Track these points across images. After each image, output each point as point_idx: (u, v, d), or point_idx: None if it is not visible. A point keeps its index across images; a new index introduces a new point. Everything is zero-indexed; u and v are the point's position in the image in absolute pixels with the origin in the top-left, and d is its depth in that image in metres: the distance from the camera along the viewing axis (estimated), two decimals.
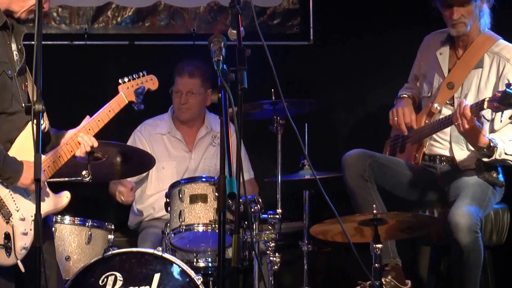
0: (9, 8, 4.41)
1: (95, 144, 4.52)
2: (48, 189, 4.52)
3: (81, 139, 4.55)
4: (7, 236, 4.26)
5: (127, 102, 4.66)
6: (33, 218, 4.12)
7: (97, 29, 6.92)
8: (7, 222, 4.28)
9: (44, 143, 4.39)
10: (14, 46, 4.35)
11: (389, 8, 6.79)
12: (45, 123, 4.47)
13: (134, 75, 4.71)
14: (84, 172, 4.93)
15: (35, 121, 3.88)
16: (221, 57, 3.95)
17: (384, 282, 4.92)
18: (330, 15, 7.05)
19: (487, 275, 5.58)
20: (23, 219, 4.36)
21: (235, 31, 4.04)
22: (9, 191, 4.34)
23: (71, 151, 4.55)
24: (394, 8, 6.60)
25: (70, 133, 4.55)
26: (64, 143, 4.55)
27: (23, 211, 4.37)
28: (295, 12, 7.09)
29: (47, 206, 4.47)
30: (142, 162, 5.70)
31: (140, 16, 6.95)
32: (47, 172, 4.53)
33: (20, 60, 4.27)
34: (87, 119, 4.55)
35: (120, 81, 4.71)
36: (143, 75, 4.78)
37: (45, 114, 4.34)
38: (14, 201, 4.38)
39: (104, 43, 7.00)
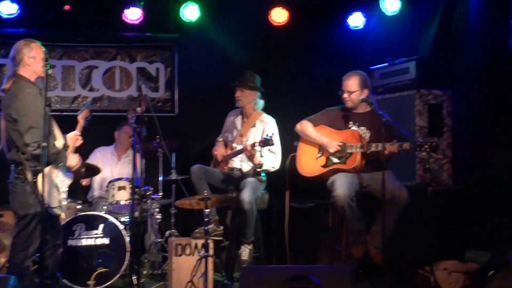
0: (36, 78, 4.91)
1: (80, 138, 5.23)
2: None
3: (76, 136, 5.24)
4: (59, 201, 4.93)
5: (83, 123, 5.35)
6: (63, 189, 4.96)
7: (74, 107, 7.58)
8: (59, 194, 4.93)
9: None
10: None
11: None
12: (64, 141, 5.09)
13: (81, 110, 5.43)
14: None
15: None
16: (133, 120, 5.13)
17: (209, 227, 5.26)
18: (184, 100, 7.86)
19: (258, 223, 6.29)
20: (63, 192, 5.00)
21: (140, 108, 5.17)
22: (58, 171, 4.92)
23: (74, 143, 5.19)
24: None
25: (71, 134, 5.24)
26: (70, 141, 5.19)
27: (63, 187, 4.98)
28: (169, 99, 7.91)
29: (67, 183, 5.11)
30: (94, 171, 6.50)
31: (95, 101, 7.60)
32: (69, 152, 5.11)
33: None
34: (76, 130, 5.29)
35: (78, 113, 5.42)
36: (84, 110, 5.45)
37: (66, 137, 5.12)
38: (59, 180, 4.94)
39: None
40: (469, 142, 6.25)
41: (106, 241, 6.05)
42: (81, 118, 5.40)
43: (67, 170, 5.09)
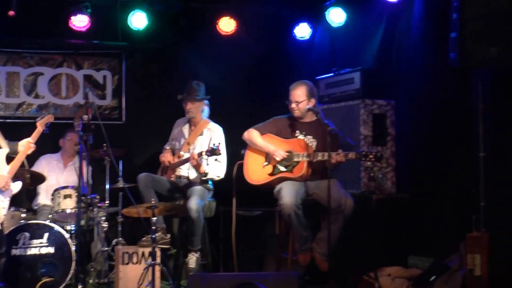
0: None
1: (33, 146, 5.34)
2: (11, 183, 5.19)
3: (29, 143, 5.32)
4: None
5: (41, 130, 5.43)
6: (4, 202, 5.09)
7: (19, 114, 7.63)
8: None
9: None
10: None
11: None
12: (9, 149, 5.17)
13: (41, 116, 5.51)
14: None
15: None
16: (80, 128, 5.24)
17: (156, 235, 5.30)
18: (132, 108, 7.84)
19: (205, 231, 6.24)
20: (3, 201, 5.07)
21: (86, 116, 5.28)
22: None
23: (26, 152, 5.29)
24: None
25: (23, 142, 5.34)
26: (21, 149, 5.28)
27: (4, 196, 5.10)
28: (116, 107, 7.90)
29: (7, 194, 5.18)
30: (39, 179, 6.31)
31: (40, 108, 7.70)
32: (11, 171, 5.19)
33: None
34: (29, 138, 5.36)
35: (36, 120, 5.47)
36: (46, 116, 5.57)
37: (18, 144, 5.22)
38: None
39: (23, 121, 7.34)
40: (411, 151, 6.34)
41: (51, 250, 5.97)
42: (39, 125, 5.36)
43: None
